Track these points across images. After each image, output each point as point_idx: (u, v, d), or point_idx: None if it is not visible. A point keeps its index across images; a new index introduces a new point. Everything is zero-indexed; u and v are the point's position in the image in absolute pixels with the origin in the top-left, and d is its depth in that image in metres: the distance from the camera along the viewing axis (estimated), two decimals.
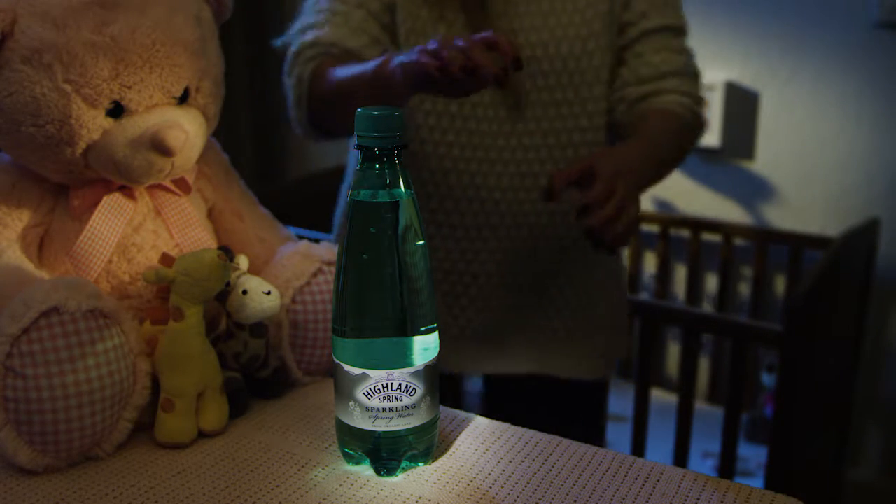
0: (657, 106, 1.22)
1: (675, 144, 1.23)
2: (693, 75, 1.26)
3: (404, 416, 0.73)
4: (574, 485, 0.73)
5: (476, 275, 1.25)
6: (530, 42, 1.18)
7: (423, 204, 1.23)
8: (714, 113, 2.22)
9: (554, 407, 1.34)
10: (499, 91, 1.17)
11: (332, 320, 0.74)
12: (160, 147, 0.79)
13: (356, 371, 0.72)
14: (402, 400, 0.72)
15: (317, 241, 0.93)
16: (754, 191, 2.27)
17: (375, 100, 1.01)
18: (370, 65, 1.04)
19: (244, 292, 0.82)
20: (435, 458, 0.77)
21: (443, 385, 1.21)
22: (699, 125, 1.27)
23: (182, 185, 0.87)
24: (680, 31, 1.26)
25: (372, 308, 0.71)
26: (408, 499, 0.71)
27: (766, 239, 2.24)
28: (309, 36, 1.19)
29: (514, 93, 1.19)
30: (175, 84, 0.81)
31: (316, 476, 0.74)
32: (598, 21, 1.20)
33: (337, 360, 0.73)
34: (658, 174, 1.19)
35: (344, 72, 1.09)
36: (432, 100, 1.19)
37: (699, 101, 1.26)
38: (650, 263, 2.47)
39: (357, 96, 1.05)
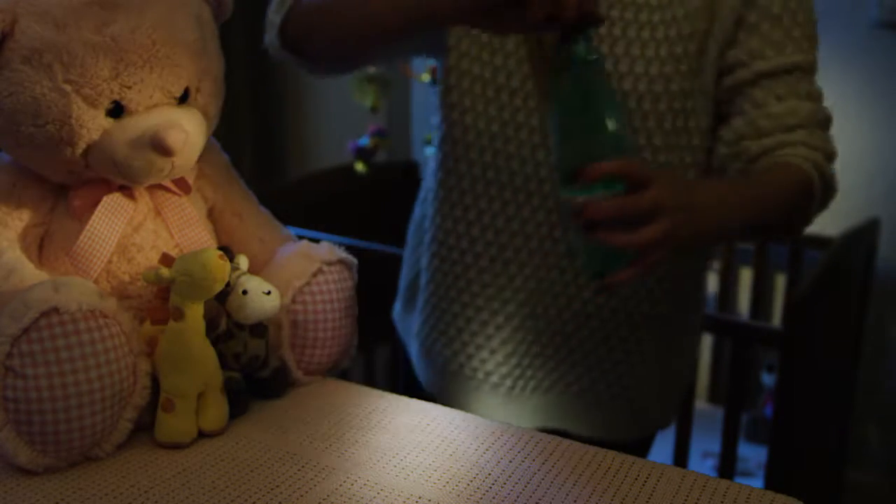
0: (782, 160, 0.98)
1: (788, 204, 0.98)
2: (824, 123, 1.03)
3: None
4: (574, 485, 0.73)
5: (496, 312, 1.11)
6: None
7: (449, 227, 1.10)
8: None
9: None
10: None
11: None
12: (160, 147, 0.79)
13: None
14: None
15: (317, 241, 0.93)
16: None
17: (397, 17, 0.94)
18: None
19: (244, 292, 0.82)
20: (435, 458, 0.77)
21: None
22: (830, 188, 1.02)
23: (182, 185, 0.87)
24: (807, 69, 1.03)
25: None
26: (408, 499, 0.71)
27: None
28: None
29: None
30: (175, 84, 0.81)
31: (316, 476, 0.74)
32: (686, 61, 1.00)
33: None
34: (741, 229, 0.97)
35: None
36: (486, 118, 1.05)
37: (830, 157, 1.02)
38: None
39: (371, 7, 0.96)
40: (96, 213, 0.82)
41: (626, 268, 0.82)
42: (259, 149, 2.71)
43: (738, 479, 1.88)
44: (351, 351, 0.94)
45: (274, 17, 1.07)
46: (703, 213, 0.86)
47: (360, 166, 2.32)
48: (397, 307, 1.30)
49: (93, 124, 0.78)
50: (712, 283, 2.38)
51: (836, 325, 1.84)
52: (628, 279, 0.82)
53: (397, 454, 0.78)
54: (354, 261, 0.93)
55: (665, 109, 1.00)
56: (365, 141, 2.30)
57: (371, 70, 2.17)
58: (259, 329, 0.84)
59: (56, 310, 0.71)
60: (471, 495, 0.71)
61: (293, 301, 0.88)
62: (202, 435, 0.80)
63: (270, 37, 1.08)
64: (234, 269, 0.84)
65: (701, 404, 2.33)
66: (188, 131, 0.81)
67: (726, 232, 0.97)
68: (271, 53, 1.11)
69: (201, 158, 0.90)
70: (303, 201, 2.17)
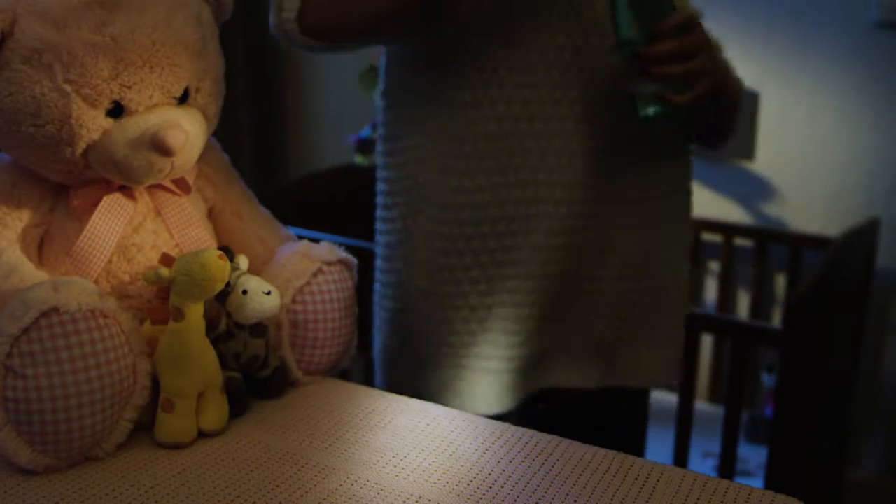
0: None
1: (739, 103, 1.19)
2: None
3: None
4: (574, 485, 0.73)
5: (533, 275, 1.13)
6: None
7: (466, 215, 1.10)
8: None
9: (599, 417, 1.24)
10: (560, 86, 1.08)
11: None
12: (160, 147, 0.79)
13: None
14: None
15: (317, 241, 0.93)
16: (754, 191, 2.27)
17: None
18: None
19: (244, 292, 0.82)
20: (435, 458, 0.77)
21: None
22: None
23: (182, 185, 0.87)
24: None
25: None
26: (408, 499, 0.71)
27: (766, 239, 2.24)
28: None
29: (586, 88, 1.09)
30: (175, 84, 0.81)
31: (316, 476, 0.74)
32: None
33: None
34: (726, 99, 1.14)
35: None
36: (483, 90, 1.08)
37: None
38: None
39: None
40: (96, 213, 0.82)
41: (682, 95, 1.00)
42: (259, 149, 2.71)
43: (738, 479, 1.88)
44: (351, 351, 0.94)
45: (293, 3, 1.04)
46: (723, 66, 1.08)
47: (360, 159, 2.31)
48: (386, 371, 1.23)
49: (93, 124, 0.78)
50: (712, 283, 2.39)
51: (836, 325, 1.84)
52: (685, 100, 1.00)
53: (397, 454, 0.78)
54: (354, 261, 0.93)
55: None
56: (367, 132, 2.29)
57: (374, 62, 2.16)
58: (259, 329, 0.84)
59: (56, 310, 0.71)
60: (471, 495, 0.71)
61: (293, 301, 0.88)
62: (202, 435, 0.80)
63: (280, 19, 1.04)
64: (234, 269, 0.84)
65: (701, 404, 2.32)
66: (188, 131, 0.81)
67: (723, 93, 1.11)
68: (275, 34, 1.07)
69: (201, 158, 0.90)
70: (303, 201, 2.17)
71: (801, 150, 2.20)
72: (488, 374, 1.15)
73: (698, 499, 0.71)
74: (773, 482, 1.58)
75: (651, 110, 1.01)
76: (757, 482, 1.95)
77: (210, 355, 0.80)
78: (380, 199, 1.20)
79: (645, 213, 1.17)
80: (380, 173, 1.20)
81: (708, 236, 2.34)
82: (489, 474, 0.74)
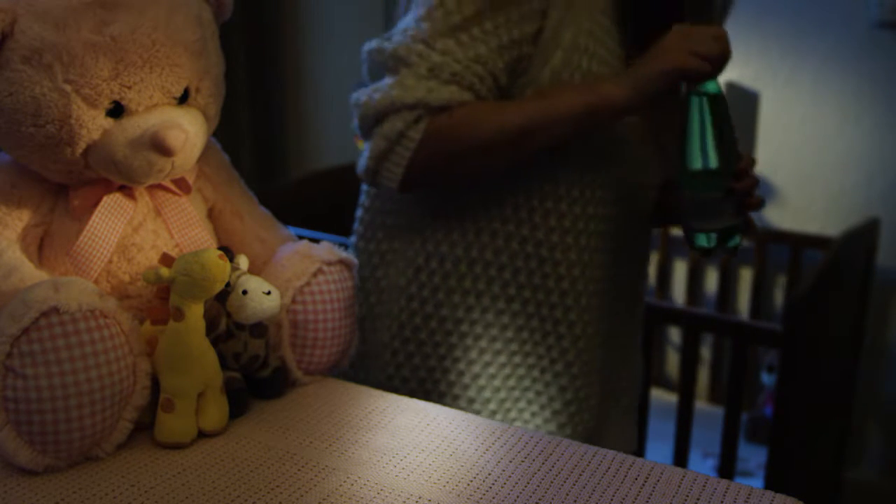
0: None
1: None
2: None
3: None
4: (574, 485, 0.73)
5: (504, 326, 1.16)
6: None
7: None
8: None
9: None
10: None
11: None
12: (160, 147, 0.79)
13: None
14: None
15: (317, 241, 0.93)
16: None
17: (578, 127, 1.03)
18: (578, 96, 1.02)
19: (244, 292, 0.82)
20: (435, 458, 0.77)
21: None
22: None
23: (182, 185, 0.87)
24: None
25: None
26: (408, 499, 0.71)
27: (766, 239, 2.24)
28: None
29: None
30: (175, 84, 0.81)
31: (316, 476, 0.74)
32: None
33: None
34: None
35: (516, 114, 1.03)
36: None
37: None
38: (651, 263, 2.47)
39: (550, 131, 1.02)
40: (96, 213, 0.82)
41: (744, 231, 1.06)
42: (259, 149, 2.71)
43: (738, 479, 1.88)
44: (351, 351, 0.94)
45: (384, 159, 1.07)
46: None
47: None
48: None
49: (93, 124, 0.78)
50: (712, 283, 2.38)
51: (836, 325, 1.84)
52: (752, 231, 1.09)
53: (397, 454, 0.78)
54: (355, 261, 0.93)
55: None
56: None
57: None
58: (259, 329, 0.84)
59: (56, 310, 0.71)
60: (471, 495, 0.71)
61: (293, 301, 0.88)
62: (202, 435, 0.80)
63: (379, 176, 1.08)
64: (234, 269, 0.84)
65: (701, 404, 2.33)
66: (188, 131, 0.81)
67: None
68: (363, 179, 1.12)
69: (201, 158, 0.90)
70: (303, 201, 2.17)
71: (801, 150, 2.20)
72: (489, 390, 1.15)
73: (698, 499, 0.71)
74: (773, 482, 1.58)
75: (731, 240, 1.05)
76: (757, 482, 1.95)
77: (210, 355, 0.80)
78: (364, 207, 1.20)
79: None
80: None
81: None
82: (489, 474, 0.74)
